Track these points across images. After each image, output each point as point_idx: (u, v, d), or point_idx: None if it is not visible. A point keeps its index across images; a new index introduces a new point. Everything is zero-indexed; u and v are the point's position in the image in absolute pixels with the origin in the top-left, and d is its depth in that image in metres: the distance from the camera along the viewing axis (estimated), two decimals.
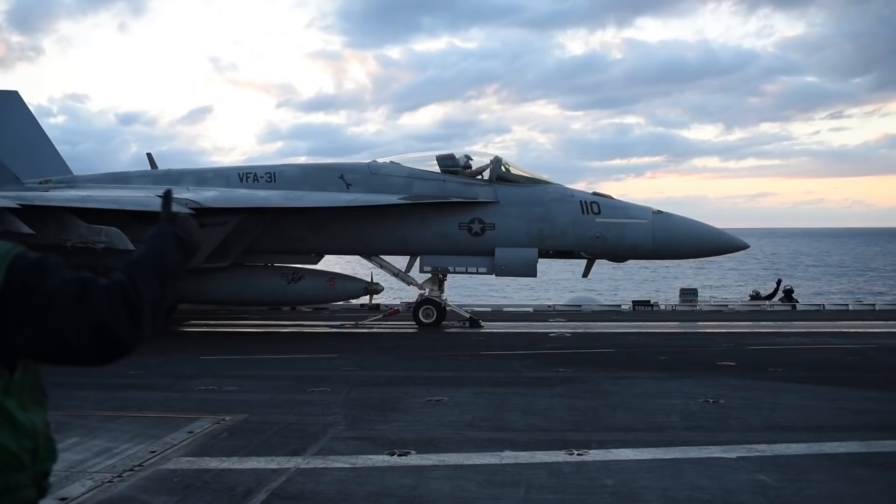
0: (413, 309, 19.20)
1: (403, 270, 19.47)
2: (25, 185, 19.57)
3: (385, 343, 16.74)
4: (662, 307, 24.93)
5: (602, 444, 7.64)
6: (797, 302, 26.11)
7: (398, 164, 19.09)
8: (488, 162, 18.69)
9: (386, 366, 13.46)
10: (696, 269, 74.32)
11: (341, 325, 19.55)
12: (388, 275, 19.93)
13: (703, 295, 30.11)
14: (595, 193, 18.32)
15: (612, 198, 18.27)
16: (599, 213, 17.82)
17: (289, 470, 6.84)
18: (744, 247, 18.53)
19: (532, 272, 18.46)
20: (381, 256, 19.57)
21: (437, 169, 18.76)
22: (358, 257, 20.44)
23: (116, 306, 2.30)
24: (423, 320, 18.77)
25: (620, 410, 9.53)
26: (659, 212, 17.86)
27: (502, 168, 18.55)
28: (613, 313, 23.28)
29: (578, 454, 7.30)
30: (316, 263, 19.78)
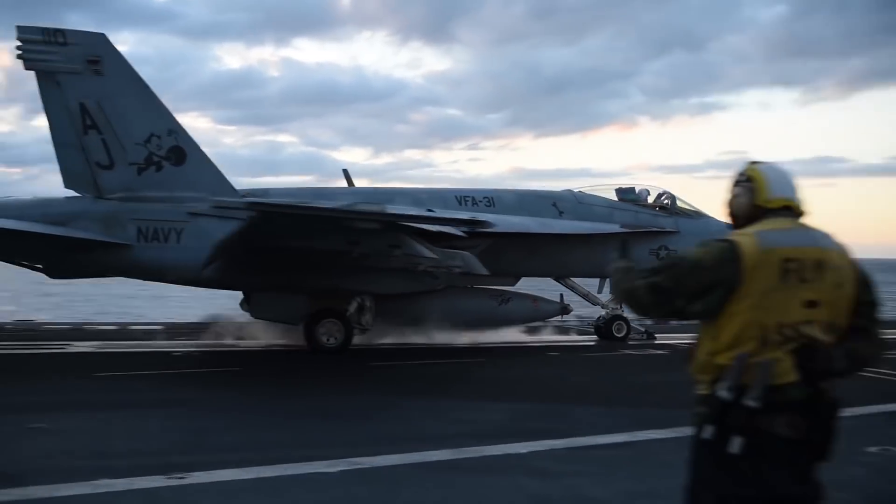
0: (604, 324, 21.04)
1: (594, 292, 21.33)
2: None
3: None
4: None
5: (206, 466, 7.55)
6: None
7: (584, 192, 20.75)
8: (658, 195, 20.96)
9: None
10: None
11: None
12: (573, 295, 21.32)
13: None
14: None
15: None
16: None
17: None
18: None
19: None
20: (572, 278, 20.96)
21: (613, 197, 20.69)
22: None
23: None
24: (616, 335, 20.69)
25: (231, 432, 9.50)
26: None
27: (666, 201, 20.76)
28: None
29: (179, 477, 7.16)
30: (513, 285, 20.04)
